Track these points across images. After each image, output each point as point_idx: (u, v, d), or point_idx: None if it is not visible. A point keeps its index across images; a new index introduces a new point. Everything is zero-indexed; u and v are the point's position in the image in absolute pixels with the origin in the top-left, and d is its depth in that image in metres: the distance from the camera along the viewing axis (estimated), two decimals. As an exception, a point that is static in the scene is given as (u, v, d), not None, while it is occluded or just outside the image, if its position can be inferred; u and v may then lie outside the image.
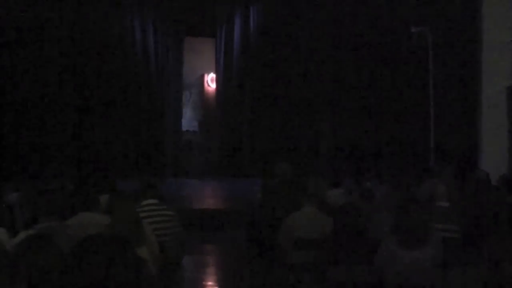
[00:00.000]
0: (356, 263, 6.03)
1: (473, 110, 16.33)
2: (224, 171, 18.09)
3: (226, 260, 10.45)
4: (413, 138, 16.89)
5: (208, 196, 15.51)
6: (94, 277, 2.27)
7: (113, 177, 12.97)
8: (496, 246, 4.25)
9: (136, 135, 17.55)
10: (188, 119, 20.09)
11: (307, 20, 17.63)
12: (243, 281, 8.69)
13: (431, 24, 16.03)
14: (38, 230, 5.07)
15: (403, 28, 16.45)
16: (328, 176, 10.86)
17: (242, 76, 18.24)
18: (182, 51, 18.69)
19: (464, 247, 6.35)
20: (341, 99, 17.56)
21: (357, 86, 17.45)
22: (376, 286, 5.55)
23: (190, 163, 18.74)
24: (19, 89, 16.22)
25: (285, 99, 17.74)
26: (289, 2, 17.73)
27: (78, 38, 16.80)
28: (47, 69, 16.50)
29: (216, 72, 18.95)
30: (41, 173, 15.28)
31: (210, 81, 20.23)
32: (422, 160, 16.02)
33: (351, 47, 17.41)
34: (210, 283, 9.37)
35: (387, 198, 8.07)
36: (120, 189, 8.70)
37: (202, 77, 20.75)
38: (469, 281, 5.24)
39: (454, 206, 7.14)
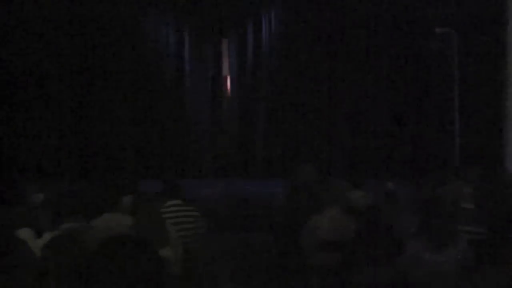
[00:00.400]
0: (380, 265, 6.00)
1: (498, 111, 16.19)
2: (242, 172, 18.04)
3: (249, 262, 10.43)
4: (438, 138, 16.77)
5: (227, 197, 15.45)
6: (117, 277, 2.28)
7: (137, 178, 13.00)
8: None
9: (164, 136, 17.61)
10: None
11: (324, 21, 17.52)
12: (266, 283, 8.67)
13: (456, 25, 15.92)
14: (63, 231, 5.09)
15: (427, 29, 16.35)
16: (349, 177, 10.80)
17: (255, 77, 18.24)
18: (221, 52, 18.60)
19: (489, 250, 6.29)
20: (362, 100, 17.45)
21: (379, 87, 17.34)
22: (400, 288, 5.52)
23: (212, 163, 18.70)
24: (48, 90, 16.40)
25: (301, 100, 17.67)
26: (308, 3, 17.63)
27: (111, 38, 16.92)
28: (77, 68, 16.65)
29: (230, 75, 18.89)
30: (66, 174, 15.41)
31: (233, 83, 20.22)
32: (447, 161, 15.90)
33: (373, 48, 17.32)
34: (232, 285, 9.36)
35: (411, 199, 8.02)
36: (144, 190, 8.71)
37: (225, 79, 20.74)
38: (494, 284, 5.19)
39: (480, 208, 7.07)
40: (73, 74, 16.67)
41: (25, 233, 5.35)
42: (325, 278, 6.57)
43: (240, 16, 18.22)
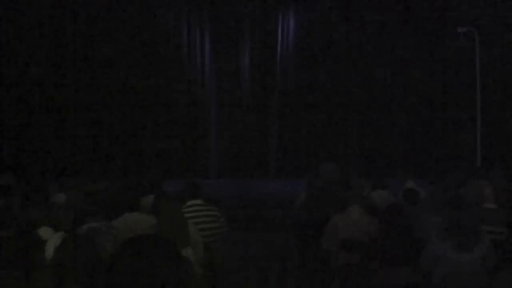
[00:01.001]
0: (402, 264, 5.97)
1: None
2: (260, 172, 18.07)
3: (270, 261, 10.44)
4: (460, 138, 16.70)
5: (246, 197, 15.47)
6: (139, 278, 2.28)
7: (159, 178, 13.08)
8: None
9: (184, 137, 17.71)
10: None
11: (343, 21, 17.50)
12: (287, 283, 8.67)
13: (478, 24, 15.83)
14: (81, 231, 5.11)
15: (449, 28, 16.28)
16: (372, 177, 10.78)
17: (269, 79, 18.29)
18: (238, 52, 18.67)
19: (511, 249, 6.24)
20: (382, 99, 17.42)
21: (401, 87, 17.31)
22: (422, 288, 5.50)
23: (231, 164, 18.74)
24: (74, 94, 16.62)
25: (318, 100, 17.68)
26: (330, 3, 17.61)
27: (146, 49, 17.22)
28: (106, 75, 16.90)
29: (246, 75, 18.92)
30: (87, 174, 15.51)
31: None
32: (469, 161, 15.83)
33: (394, 48, 17.28)
34: (253, 284, 9.37)
35: (433, 199, 7.97)
36: (165, 190, 8.74)
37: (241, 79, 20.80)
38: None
39: (502, 208, 7.03)
40: (98, 78, 16.90)
41: (45, 232, 5.37)
42: (346, 278, 6.56)
43: (257, 18, 18.26)
